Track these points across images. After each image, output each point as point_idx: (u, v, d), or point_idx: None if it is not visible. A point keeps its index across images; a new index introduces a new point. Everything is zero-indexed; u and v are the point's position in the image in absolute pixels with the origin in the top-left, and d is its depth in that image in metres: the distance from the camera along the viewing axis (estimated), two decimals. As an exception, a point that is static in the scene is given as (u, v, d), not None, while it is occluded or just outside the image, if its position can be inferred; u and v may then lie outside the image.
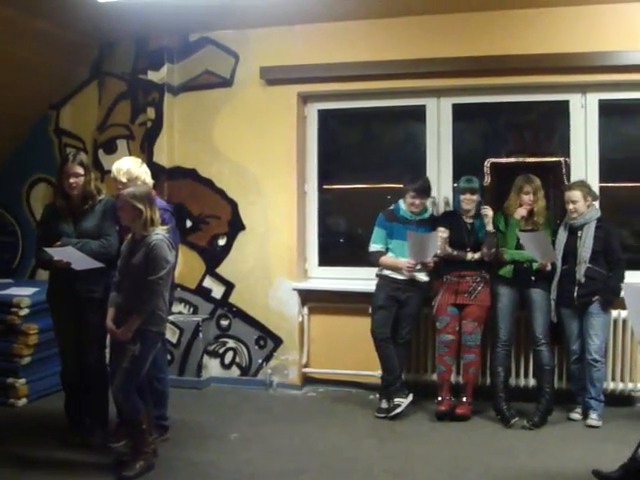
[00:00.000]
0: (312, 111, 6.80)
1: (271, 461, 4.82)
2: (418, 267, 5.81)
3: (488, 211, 5.73)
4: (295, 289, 6.61)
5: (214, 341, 6.87)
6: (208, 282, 6.87)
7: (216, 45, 6.82)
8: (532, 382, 6.00)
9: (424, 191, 5.91)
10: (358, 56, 6.34)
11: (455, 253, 5.82)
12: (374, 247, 5.97)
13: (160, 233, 4.43)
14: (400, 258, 5.84)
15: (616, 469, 4.13)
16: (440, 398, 5.75)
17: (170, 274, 4.49)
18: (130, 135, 7.06)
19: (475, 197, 5.81)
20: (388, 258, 5.92)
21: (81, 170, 4.91)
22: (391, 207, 6.03)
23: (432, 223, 5.93)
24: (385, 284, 5.92)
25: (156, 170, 6.29)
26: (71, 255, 4.74)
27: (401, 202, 5.97)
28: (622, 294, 4.95)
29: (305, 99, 6.76)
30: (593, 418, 5.52)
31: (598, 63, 5.95)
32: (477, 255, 5.78)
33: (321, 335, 6.66)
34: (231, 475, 4.57)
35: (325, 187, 6.99)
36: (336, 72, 6.40)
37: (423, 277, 5.90)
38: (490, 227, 5.72)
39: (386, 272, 5.94)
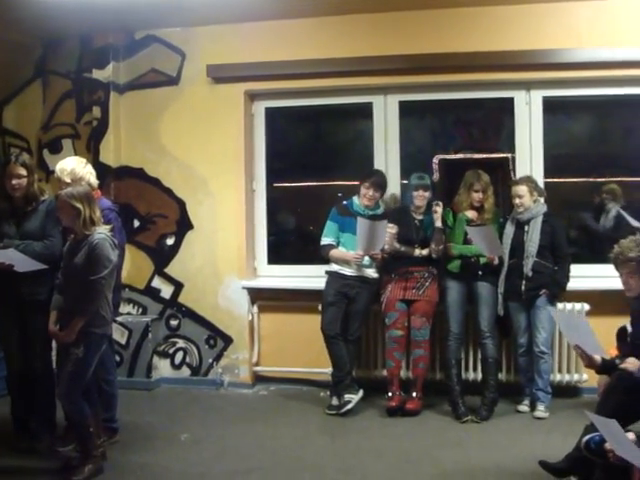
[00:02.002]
0: (259, 109, 6.78)
1: (222, 461, 4.80)
2: (366, 260, 5.84)
3: (438, 208, 5.78)
4: (244, 288, 6.60)
5: (164, 341, 6.82)
6: (157, 282, 6.82)
7: (162, 43, 6.76)
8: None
9: (379, 185, 5.96)
10: (305, 54, 6.35)
11: (403, 249, 5.85)
12: (325, 240, 6.01)
13: (102, 232, 4.37)
14: (350, 252, 5.86)
15: (562, 459, 4.19)
16: (390, 394, 5.78)
17: (113, 274, 4.43)
18: (75, 134, 6.97)
19: (427, 194, 5.86)
20: (338, 251, 5.96)
21: (24, 171, 4.82)
22: (345, 202, 6.07)
23: (383, 219, 5.95)
24: (334, 280, 5.94)
25: (102, 170, 6.24)
26: (13, 257, 4.65)
27: (355, 197, 6.01)
28: (555, 318, 5.04)
29: (252, 97, 6.74)
30: (540, 410, 5.62)
31: (542, 61, 6.05)
32: (425, 251, 5.82)
33: (271, 333, 6.65)
34: (181, 476, 4.54)
35: (275, 185, 6.97)
36: (283, 70, 6.40)
37: (372, 273, 5.94)
38: (439, 223, 5.77)
39: (335, 268, 5.97)
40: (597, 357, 4.20)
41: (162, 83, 6.77)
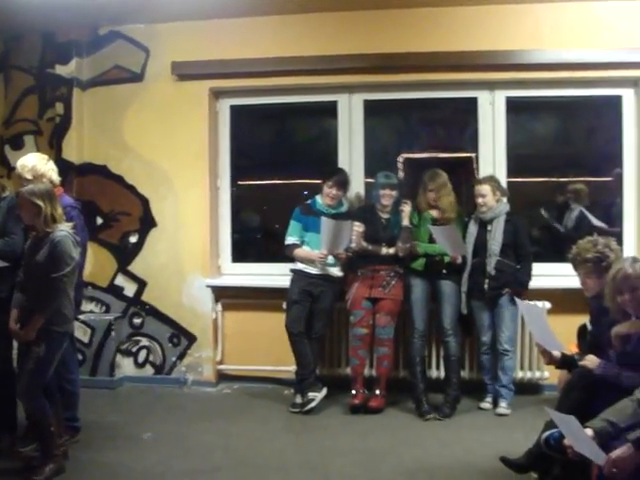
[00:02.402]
0: (224, 107, 6.77)
1: (185, 460, 4.77)
2: (330, 260, 5.86)
3: (405, 207, 5.81)
4: (208, 286, 6.58)
5: (127, 340, 6.77)
6: (120, 280, 6.77)
7: (126, 39, 6.72)
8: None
9: (342, 183, 5.99)
10: (270, 52, 6.34)
11: (370, 248, 5.87)
12: (289, 240, 6.02)
13: (64, 230, 4.32)
14: (315, 250, 5.87)
15: (522, 455, 4.23)
16: (354, 391, 5.81)
17: (75, 271, 4.39)
18: (38, 131, 6.90)
19: (394, 193, 5.88)
20: (302, 250, 5.97)
21: (-16, 168, 4.77)
22: (308, 201, 6.08)
23: (348, 218, 5.96)
24: (299, 279, 5.95)
25: (65, 166, 6.18)
26: (-26, 255, 4.60)
27: (318, 197, 6.03)
28: (520, 308, 5.08)
29: (217, 95, 6.72)
30: (503, 406, 5.68)
31: (505, 61, 6.12)
32: (392, 250, 5.85)
33: (235, 331, 6.63)
34: (143, 475, 4.51)
35: (240, 183, 6.96)
36: (248, 68, 6.39)
37: (337, 272, 5.96)
38: (406, 222, 5.79)
39: (300, 267, 5.97)
40: (557, 353, 4.26)
41: (126, 80, 6.72)
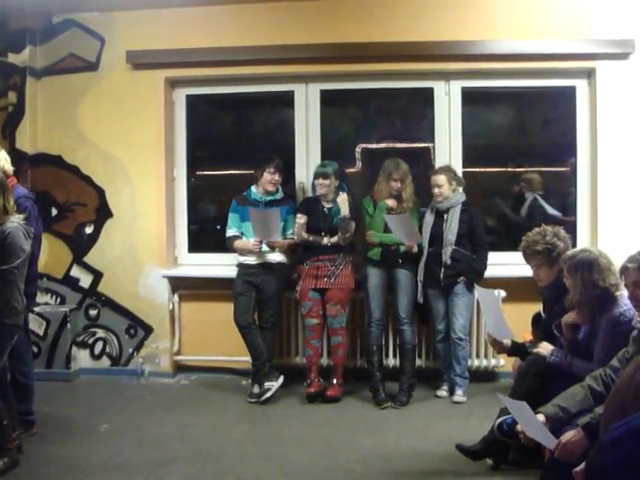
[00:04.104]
0: (180, 96, 6.72)
1: (142, 451, 4.74)
2: (265, 247, 5.89)
3: (340, 197, 5.82)
4: (165, 276, 6.54)
5: (83, 331, 6.70)
6: (75, 271, 6.69)
7: (81, 28, 6.62)
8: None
9: (282, 168, 6.03)
10: (226, 41, 6.30)
11: (311, 238, 5.90)
12: (229, 232, 6.08)
13: (15, 221, 4.25)
14: (250, 239, 5.91)
15: (478, 442, 4.29)
16: (309, 381, 5.83)
17: (26, 264, 4.33)
18: (-10, 120, 6.78)
19: (327, 182, 5.87)
20: (240, 241, 6.02)
21: None
22: (244, 192, 6.10)
23: (283, 204, 6.01)
24: (241, 271, 6.01)
25: (18, 157, 6.12)
26: None
27: (253, 187, 6.05)
28: (477, 295, 5.13)
29: (173, 84, 6.66)
30: (458, 394, 5.74)
31: (460, 52, 6.16)
32: (334, 239, 5.86)
33: (192, 322, 6.61)
34: (100, 468, 4.45)
35: (198, 173, 6.93)
36: (204, 57, 6.34)
37: (276, 258, 5.98)
38: (345, 212, 5.80)
39: (241, 259, 6.03)
40: (507, 341, 4.33)
41: (81, 68, 6.62)
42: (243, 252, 6.00)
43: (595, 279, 3.78)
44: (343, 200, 5.80)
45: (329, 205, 5.94)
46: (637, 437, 1.04)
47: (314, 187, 5.98)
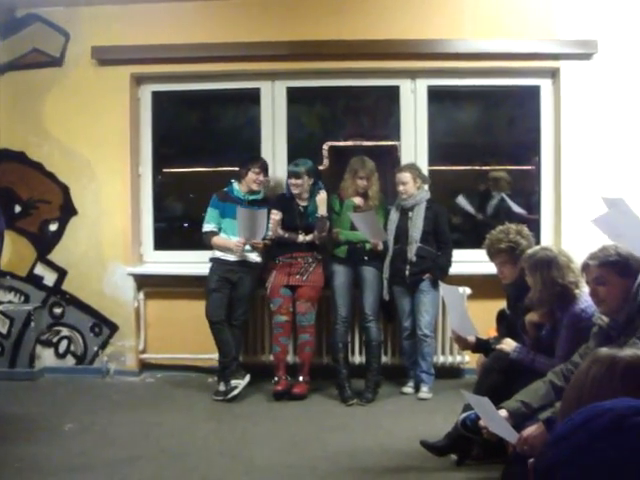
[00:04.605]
0: (146, 93, 6.66)
1: (106, 450, 4.70)
2: (247, 247, 5.87)
3: (319, 196, 5.84)
4: (130, 274, 6.48)
5: (47, 330, 6.62)
6: (39, 269, 6.61)
7: (45, 22, 6.52)
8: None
9: (267, 168, 6.02)
10: (192, 38, 6.27)
11: (287, 235, 5.89)
12: (207, 227, 6.01)
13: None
14: (232, 237, 5.87)
15: (442, 438, 4.32)
16: (277, 378, 5.82)
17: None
18: (-49, 116, 6.68)
19: (300, 182, 5.87)
20: (219, 238, 5.97)
21: None
22: (225, 188, 6.05)
23: (264, 204, 5.99)
24: (217, 266, 5.96)
25: (-19, 153, 6.01)
26: None
27: (235, 183, 6.01)
28: (442, 291, 5.15)
29: (139, 80, 6.61)
30: (424, 391, 5.77)
31: (427, 50, 6.18)
32: (309, 237, 5.87)
33: (158, 320, 6.56)
34: (64, 467, 4.41)
35: (164, 171, 6.90)
36: (170, 53, 6.29)
37: (255, 258, 5.97)
38: (322, 211, 5.81)
39: (218, 254, 5.97)
40: (471, 338, 4.36)
41: (45, 64, 6.53)
42: (221, 248, 5.97)
43: (554, 276, 3.83)
44: (322, 199, 5.83)
45: (304, 203, 5.94)
46: (579, 432, 1.05)
47: (288, 186, 5.96)
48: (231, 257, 5.91)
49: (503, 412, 3.45)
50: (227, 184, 6.09)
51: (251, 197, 5.96)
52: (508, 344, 4.12)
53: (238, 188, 5.99)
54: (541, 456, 1.07)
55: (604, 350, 1.75)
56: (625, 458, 1.00)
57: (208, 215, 6.02)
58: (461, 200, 6.71)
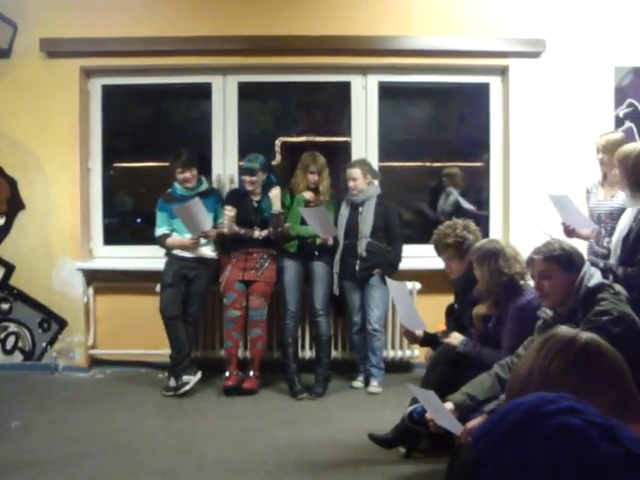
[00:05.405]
0: (96, 86, 6.58)
1: (54, 447, 4.65)
2: (203, 241, 5.86)
3: (272, 193, 5.85)
4: (79, 269, 6.40)
5: (-6, 326, 6.54)
6: (-14, 264, 6.52)
7: (-8, 13, 6.43)
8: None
9: (190, 163, 5.94)
10: (143, 31, 6.21)
11: (242, 232, 5.88)
12: (159, 231, 6.00)
13: None
14: (185, 236, 5.86)
15: (390, 431, 4.36)
16: (228, 373, 5.81)
17: None
18: None
19: (255, 178, 5.86)
20: (173, 239, 5.97)
21: None
22: (169, 190, 6.05)
23: (211, 194, 6.01)
24: (173, 262, 5.94)
25: None
26: None
27: (176, 182, 5.99)
28: (389, 287, 5.18)
29: (88, 74, 6.53)
30: (374, 385, 5.81)
31: (377, 46, 6.23)
32: (264, 233, 5.87)
33: (108, 315, 6.50)
34: (10, 465, 4.34)
35: (115, 165, 6.84)
36: (120, 47, 6.23)
37: (210, 253, 5.96)
38: (277, 207, 5.82)
39: (175, 251, 5.95)
40: (419, 332, 4.41)
41: (-9, 56, 6.44)
42: (177, 248, 5.96)
43: (501, 266, 3.90)
44: (275, 195, 5.84)
45: (258, 198, 5.94)
46: (496, 430, 1.07)
47: (241, 181, 5.95)
48: (187, 254, 5.91)
49: (449, 405, 3.51)
50: (170, 185, 6.07)
51: (193, 192, 5.92)
52: (455, 337, 4.18)
53: (180, 186, 5.97)
54: (463, 455, 1.08)
55: (563, 328, 1.75)
56: (539, 455, 1.01)
57: (158, 219, 6.00)
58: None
